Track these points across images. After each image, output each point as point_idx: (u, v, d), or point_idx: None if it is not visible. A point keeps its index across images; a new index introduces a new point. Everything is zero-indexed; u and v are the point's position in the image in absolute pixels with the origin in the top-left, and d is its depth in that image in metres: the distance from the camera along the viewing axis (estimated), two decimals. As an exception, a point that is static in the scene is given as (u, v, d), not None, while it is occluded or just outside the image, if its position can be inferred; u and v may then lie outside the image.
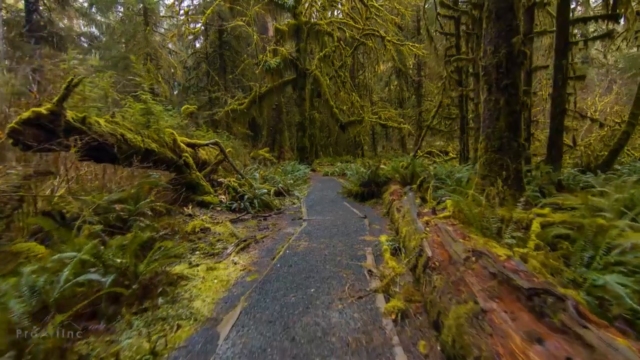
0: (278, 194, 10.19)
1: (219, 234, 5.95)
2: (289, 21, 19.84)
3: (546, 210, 4.24)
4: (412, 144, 30.94)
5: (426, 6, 15.71)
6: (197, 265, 4.48)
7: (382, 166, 14.51)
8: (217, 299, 3.58)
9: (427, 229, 4.11)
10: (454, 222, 4.16)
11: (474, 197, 5.03)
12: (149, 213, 5.24)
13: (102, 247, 3.47)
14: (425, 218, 4.62)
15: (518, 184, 5.27)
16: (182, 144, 8.17)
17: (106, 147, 5.32)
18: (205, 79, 29.00)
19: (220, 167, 10.40)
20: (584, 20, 9.21)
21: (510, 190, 5.14)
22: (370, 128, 25.19)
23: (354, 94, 20.57)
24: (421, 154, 22.04)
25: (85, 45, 25.07)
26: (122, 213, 4.86)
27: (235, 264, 4.64)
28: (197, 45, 31.67)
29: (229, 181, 9.04)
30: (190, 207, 7.24)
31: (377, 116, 21.12)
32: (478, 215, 4.15)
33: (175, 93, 32.16)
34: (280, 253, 5.02)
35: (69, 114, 4.84)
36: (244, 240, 5.64)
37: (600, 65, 26.02)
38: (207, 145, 9.89)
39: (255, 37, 17.42)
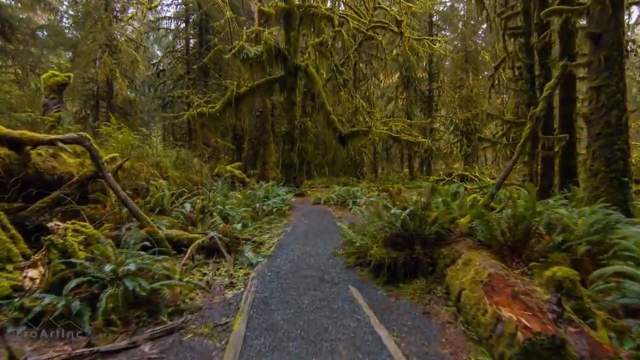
0: (210, 251, 4.73)
1: None
2: (277, 3, 14.96)
3: None
4: (418, 163, 25.81)
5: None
6: None
7: (402, 195, 9.33)
8: None
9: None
10: None
11: None
12: None
13: None
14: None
15: None
16: None
17: None
18: (183, 83, 24.03)
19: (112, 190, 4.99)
20: None
21: None
22: (374, 144, 19.97)
23: (357, 96, 15.41)
24: (434, 177, 16.79)
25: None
26: None
27: None
28: (178, 46, 26.94)
29: (71, 231, 3.57)
30: None
31: (387, 127, 15.97)
32: None
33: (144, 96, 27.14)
34: None
35: None
36: None
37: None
38: (63, 141, 4.47)
39: (227, 13, 12.40)
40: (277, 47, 14.71)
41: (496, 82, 10.55)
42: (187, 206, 6.05)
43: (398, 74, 26.09)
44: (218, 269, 4.30)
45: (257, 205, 8.24)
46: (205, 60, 21.80)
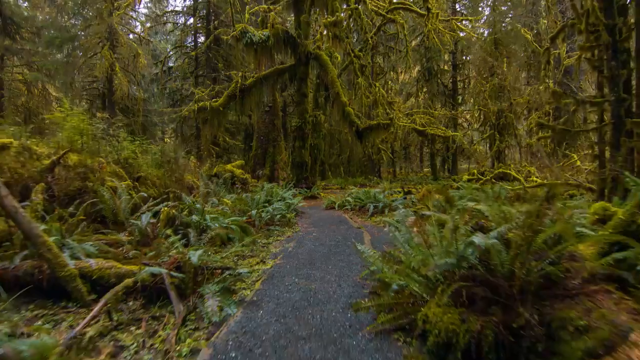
0: (152, 295, 2.86)
1: None
2: (285, -18, 13.15)
3: None
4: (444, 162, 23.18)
5: None
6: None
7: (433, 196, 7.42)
8: None
9: None
10: None
11: None
12: None
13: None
14: None
15: None
16: None
17: None
18: (191, 80, 22.56)
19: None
20: None
21: None
22: (393, 140, 17.76)
23: (377, 84, 13.34)
24: (466, 177, 14.53)
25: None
26: None
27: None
28: (187, 43, 25.54)
29: None
30: None
31: (410, 119, 13.82)
32: None
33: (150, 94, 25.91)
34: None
35: None
36: None
37: None
38: None
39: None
40: (286, 32, 12.89)
41: (552, 57, 8.37)
42: (145, 217, 4.25)
43: (418, 67, 23.84)
44: (153, 334, 2.43)
45: (254, 212, 6.38)
46: (211, 53, 20.32)
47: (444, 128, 14.97)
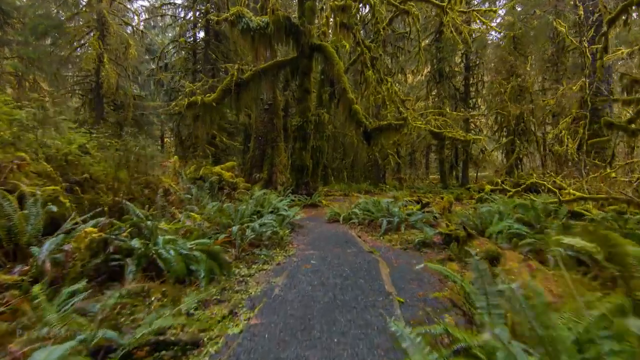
0: None
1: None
2: (289, -35, 11.67)
3: None
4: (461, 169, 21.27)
5: None
6: None
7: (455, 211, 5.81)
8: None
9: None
10: None
11: None
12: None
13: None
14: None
15: None
16: None
17: None
18: (188, 76, 21.07)
19: None
20: None
21: None
22: (401, 144, 16.14)
23: (389, 80, 11.77)
24: (488, 187, 12.96)
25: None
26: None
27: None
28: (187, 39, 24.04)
29: None
30: None
31: (425, 120, 12.22)
32: None
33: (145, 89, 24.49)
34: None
35: None
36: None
37: None
38: None
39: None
40: (288, 19, 11.39)
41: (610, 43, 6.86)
42: (47, 248, 2.69)
43: (428, 68, 22.29)
44: None
45: (235, 229, 4.80)
46: (210, 49, 18.89)
47: (461, 131, 13.33)
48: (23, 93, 18.53)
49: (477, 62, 21.43)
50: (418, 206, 8.04)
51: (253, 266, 4.31)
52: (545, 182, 9.16)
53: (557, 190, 9.17)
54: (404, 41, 23.69)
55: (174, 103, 11.90)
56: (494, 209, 5.89)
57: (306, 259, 4.65)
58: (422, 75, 24.26)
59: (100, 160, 5.41)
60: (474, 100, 21.64)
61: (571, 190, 9.70)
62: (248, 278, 3.91)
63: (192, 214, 5.00)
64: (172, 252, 3.40)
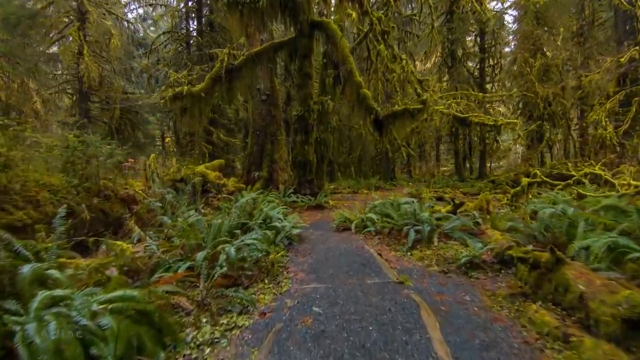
0: None
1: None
2: None
3: None
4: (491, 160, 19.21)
5: None
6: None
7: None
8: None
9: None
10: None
11: None
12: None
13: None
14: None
15: None
16: None
17: None
18: (181, 67, 19.47)
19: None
20: None
21: None
22: (424, 130, 14.30)
23: (404, 57, 9.98)
24: (526, 180, 11.27)
25: None
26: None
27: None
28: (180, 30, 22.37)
29: None
30: None
31: (447, 103, 10.42)
32: None
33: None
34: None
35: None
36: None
37: None
38: None
39: None
40: (283, -8, 9.68)
41: None
42: None
43: (439, 51, 20.29)
44: None
45: (201, 256, 3.19)
46: (203, 39, 17.26)
47: (488, 116, 11.44)
48: (13, 94, 17.20)
49: (494, 44, 19.38)
50: (449, 206, 6.36)
51: (221, 320, 2.71)
52: (606, 174, 7.39)
53: (616, 183, 7.40)
54: (411, 25, 21.77)
55: (155, 94, 10.34)
56: (569, 213, 4.17)
57: (306, 304, 3.03)
58: (431, 62, 22.30)
59: (19, 162, 3.84)
60: (490, 85, 19.66)
61: (630, 181, 7.91)
62: (207, 349, 2.31)
63: (122, 245, 3.39)
64: (52, 328, 1.80)
